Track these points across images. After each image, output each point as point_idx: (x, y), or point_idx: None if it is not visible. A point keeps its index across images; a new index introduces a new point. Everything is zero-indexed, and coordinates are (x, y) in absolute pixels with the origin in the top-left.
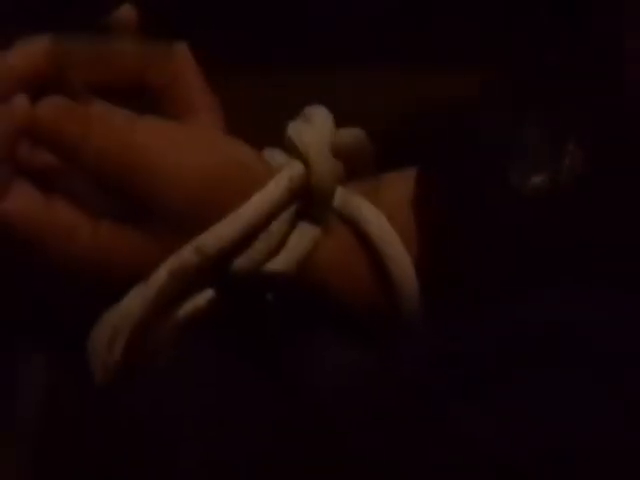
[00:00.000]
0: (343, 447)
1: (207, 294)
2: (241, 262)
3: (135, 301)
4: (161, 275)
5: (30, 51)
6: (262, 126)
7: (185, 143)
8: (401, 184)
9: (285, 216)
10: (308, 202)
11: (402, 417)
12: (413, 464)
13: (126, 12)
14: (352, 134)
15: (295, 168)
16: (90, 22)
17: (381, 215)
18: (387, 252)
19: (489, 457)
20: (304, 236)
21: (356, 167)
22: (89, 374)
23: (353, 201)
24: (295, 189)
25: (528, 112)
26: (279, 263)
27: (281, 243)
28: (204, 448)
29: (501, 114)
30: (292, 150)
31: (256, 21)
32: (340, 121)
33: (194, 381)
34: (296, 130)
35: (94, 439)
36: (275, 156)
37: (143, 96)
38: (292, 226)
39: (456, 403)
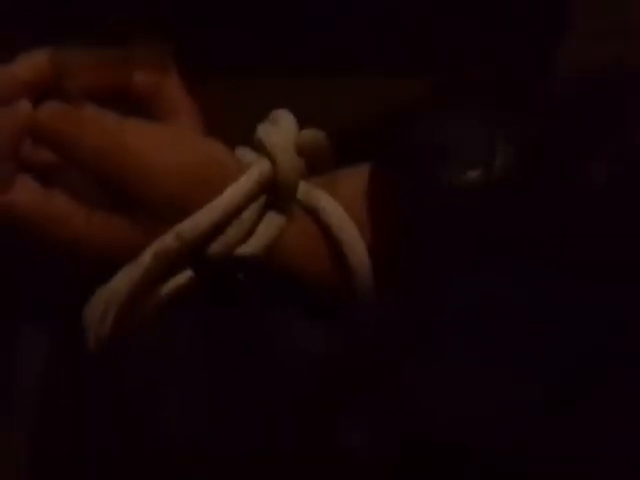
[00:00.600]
0: (305, 406)
1: (186, 274)
2: (216, 246)
3: (123, 280)
4: (146, 258)
5: (32, 62)
6: (234, 127)
7: (167, 143)
8: (356, 178)
9: (255, 207)
10: (275, 194)
11: (355, 381)
12: (371, 429)
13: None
14: (313, 135)
15: (263, 165)
16: (89, 22)
17: (338, 206)
18: (344, 238)
19: (434, 419)
20: (271, 224)
21: (316, 164)
22: (84, 344)
23: (314, 194)
24: (263, 183)
25: (464, 115)
26: (249, 247)
27: (251, 230)
28: (185, 415)
29: (441, 116)
30: (261, 149)
31: (229, 35)
32: (303, 123)
33: (178, 355)
34: (264, 131)
35: (92, 413)
36: (246, 154)
37: (130, 100)
38: (261, 215)
39: (406, 368)
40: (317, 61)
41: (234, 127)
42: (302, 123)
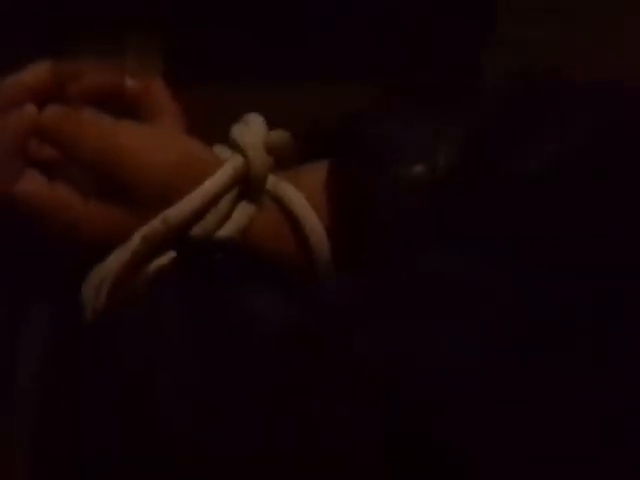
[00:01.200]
0: (271, 369)
1: (170, 255)
2: (197, 230)
3: (116, 260)
4: (135, 240)
5: (37, 71)
6: (212, 128)
7: (154, 141)
8: (317, 173)
9: (229, 197)
10: (247, 186)
11: (315, 349)
12: (324, 394)
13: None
14: (280, 135)
15: (237, 161)
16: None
17: (302, 196)
18: (306, 224)
19: (387, 384)
20: (244, 211)
21: (283, 160)
22: (81, 316)
23: (281, 185)
24: (237, 176)
25: (412, 116)
26: (225, 231)
27: (226, 216)
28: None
29: (391, 117)
30: (235, 147)
31: (209, 49)
32: (272, 124)
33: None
34: (238, 131)
35: (90, 410)
36: (222, 151)
37: (122, 104)
38: (235, 204)
39: (358, 335)
40: (284, 72)
41: (212, 127)
42: (271, 124)
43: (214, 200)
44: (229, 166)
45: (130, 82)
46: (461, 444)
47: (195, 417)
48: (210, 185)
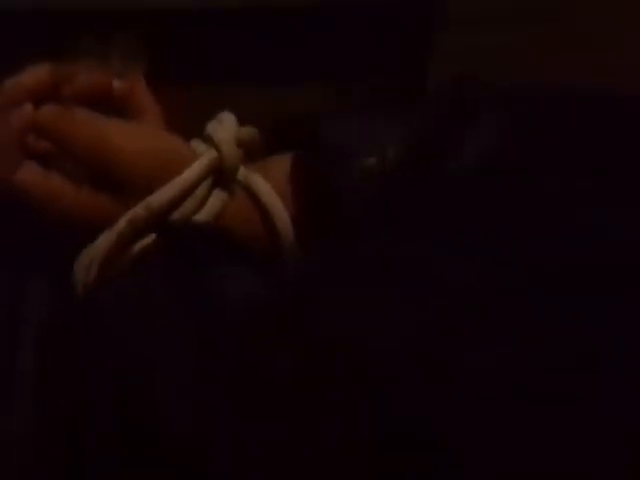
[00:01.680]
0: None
1: (151, 237)
2: (175, 215)
3: (104, 241)
4: (121, 224)
5: (34, 73)
6: (189, 125)
7: (139, 137)
8: (282, 164)
9: (205, 185)
10: (220, 176)
11: (280, 318)
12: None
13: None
14: (249, 131)
15: (211, 154)
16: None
17: (269, 185)
18: (272, 210)
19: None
20: (217, 199)
21: (252, 152)
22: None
23: (250, 176)
24: (211, 168)
25: (365, 115)
26: (201, 216)
27: (202, 203)
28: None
29: (347, 116)
30: (209, 141)
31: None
32: (242, 122)
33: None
34: (212, 128)
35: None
36: (198, 145)
37: (110, 104)
38: (209, 192)
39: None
40: (250, 78)
41: (189, 124)
42: (241, 121)
43: (191, 189)
44: (204, 159)
45: (117, 84)
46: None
47: (169, 384)
48: (187, 175)
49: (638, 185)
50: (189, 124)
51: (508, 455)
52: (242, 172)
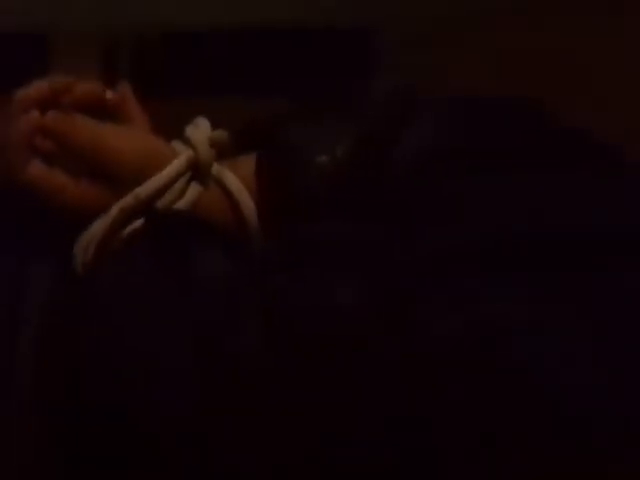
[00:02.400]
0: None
1: (139, 222)
2: (159, 203)
3: (99, 225)
4: (114, 211)
5: (39, 86)
6: (170, 128)
7: (128, 138)
8: (248, 162)
9: (183, 179)
10: (196, 172)
11: (247, 294)
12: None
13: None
14: (220, 134)
15: (189, 153)
16: None
17: (237, 179)
18: (240, 200)
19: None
20: (194, 191)
21: (223, 152)
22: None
23: (222, 171)
24: (189, 164)
25: (318, 120)
26: (180, 205)
27: (181, 194)
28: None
29: (302, 121)
30: (187, 142)
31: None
32: (214, 126)
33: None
34: (189, 131)
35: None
36: (178, 146)
37: (104, 111)
38: (187, 185)
39: (279, 279)
40: (219, 91)
41: (170, 128)
42: (214, 126)
43: (172, 182)
44: (183, 157)
45: (110, 94)
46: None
47: (153, 343)
48: (169, 171)
49: (557, 180)
50: (169, 128)
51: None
52: (215, 168)
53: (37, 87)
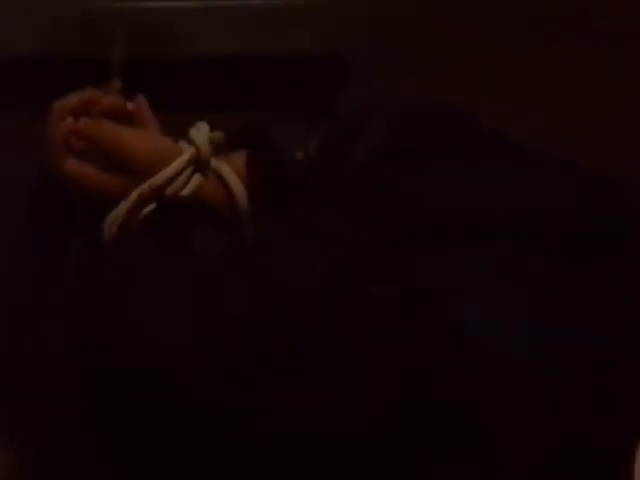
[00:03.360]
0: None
1: (153, 205)
2: (169, 191)
3: (121, 208)
4: (133, 197)
5: (74, 98)
6: (178, 131)
7: (144, 139)
8: (240, 157)
9: (188, 171)
10: (198, 165)
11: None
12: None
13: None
14: (217, 134)
15: (192, 150)
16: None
17: (232, 171)
18: (234, 188)
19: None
20: (196, 180)
21: (219, 149)
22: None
23: (219, 165)
24: (192, 159)
25: (294, 124)
26: (185, 192)
27: (186, 183)
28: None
29: (281, 125)
30: (191, 142)
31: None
32: (212, 129)
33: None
34: (193, 132)
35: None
36: (183, 144)
37: (124, 118)
38: (191, 176)
39: (264, 254)
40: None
41: (178, 131)
42: (212, 129)
43: (179, 173)
44: (187, 153)
45: (129, 105)
46: None
47: (157, 307)
48: (176, 164)
49: (474, 171)
50: (178, 131)
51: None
52: (213, 162)
53: (71, 99)
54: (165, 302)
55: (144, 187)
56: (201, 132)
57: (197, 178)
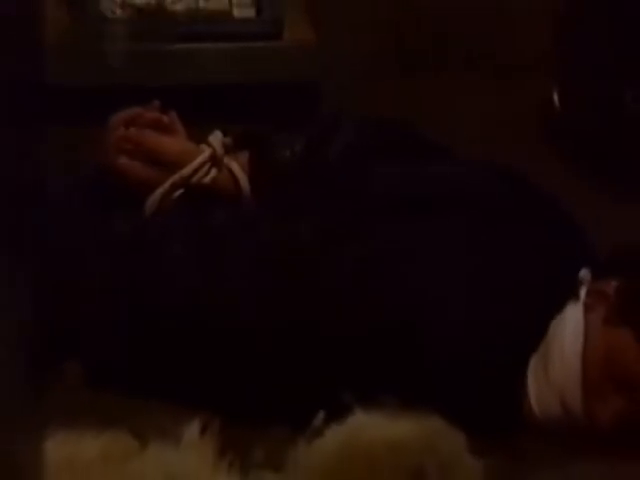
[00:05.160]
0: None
1: (181, 191)
2: (194, 180)
3: (159, 193)
4: (167, 184)
5: (125, 113)
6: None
7: (175, 143)
8: (244, 156)
9: (207, 166)
10: (214, 162)
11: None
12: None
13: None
14: (228, 139)
15: (210, 151)
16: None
17: (238, 166)
18: (240, 178)
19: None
20: (213, 173)
21: (229, 150)
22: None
23: (229, 161)
24: (210, 158)
25: (282, 132)
26: (206, 180)
27: (206, 175)
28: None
29: (273, 133)
30: (209, 145)
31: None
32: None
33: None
34: (210, 138)
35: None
36: (204, 147)
37: (161, 128)
38: (209, 170)
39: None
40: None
41: (199, 138)
42: (224, 135)
43: (200, 167)
44: (206, 153)
45: (165, 118)
46: None
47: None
48: (198, 161)
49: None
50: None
51: None
52: (225, 160)
53: (123, 114)
54: (188, 253)
55: (175, 177)
56: (216, 137)
57: (214, 171)
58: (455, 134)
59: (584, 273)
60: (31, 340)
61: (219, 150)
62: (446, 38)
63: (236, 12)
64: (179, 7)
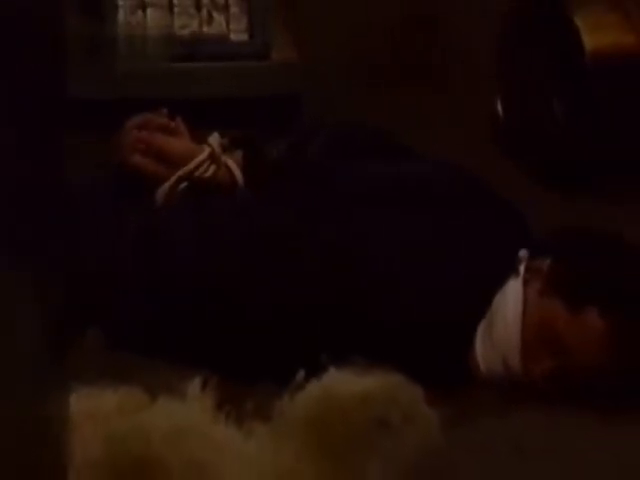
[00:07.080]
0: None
1: (185, 184)
2: (196, 174)
3: (166, 185)
4: (173, 179)
5: (137, 119)
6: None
7: (181, 143)
8: (239, 154)
9: (207, 163)
10: (213, 159)
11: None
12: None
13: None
14: (225, 140)
15: (209, 150)
16: None
17: (234, 163)
18: (235, 173)
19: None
20: (212, 169)
21: (226, 150)
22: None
23: (226, 159)
24: (209, 156)
25: (270, 137)
26: (207, 174)
27: (206, 170)
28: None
29: (261, 137)
30: (209, 145)
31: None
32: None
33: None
34: (210, 139)
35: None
36: (204, 147)
37: (169, 131)
38: (209, 166)
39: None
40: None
41: (201, 140)
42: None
43: (202, 164)
44: (206, 152)
45: (172, 123)
46: None
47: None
48: (200, 158)
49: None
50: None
51: None
52: (223, 158)
53: (137, 119)
54: (192, 234)
55: (181, 172)
56: (215, 138)
57: (213, 167)
58: (419, 138)
59: (523, 253)
60: (60, 310)
61: (217, 149)
62: (410, 54)
63: (232, 36)
64: (185, 32)
